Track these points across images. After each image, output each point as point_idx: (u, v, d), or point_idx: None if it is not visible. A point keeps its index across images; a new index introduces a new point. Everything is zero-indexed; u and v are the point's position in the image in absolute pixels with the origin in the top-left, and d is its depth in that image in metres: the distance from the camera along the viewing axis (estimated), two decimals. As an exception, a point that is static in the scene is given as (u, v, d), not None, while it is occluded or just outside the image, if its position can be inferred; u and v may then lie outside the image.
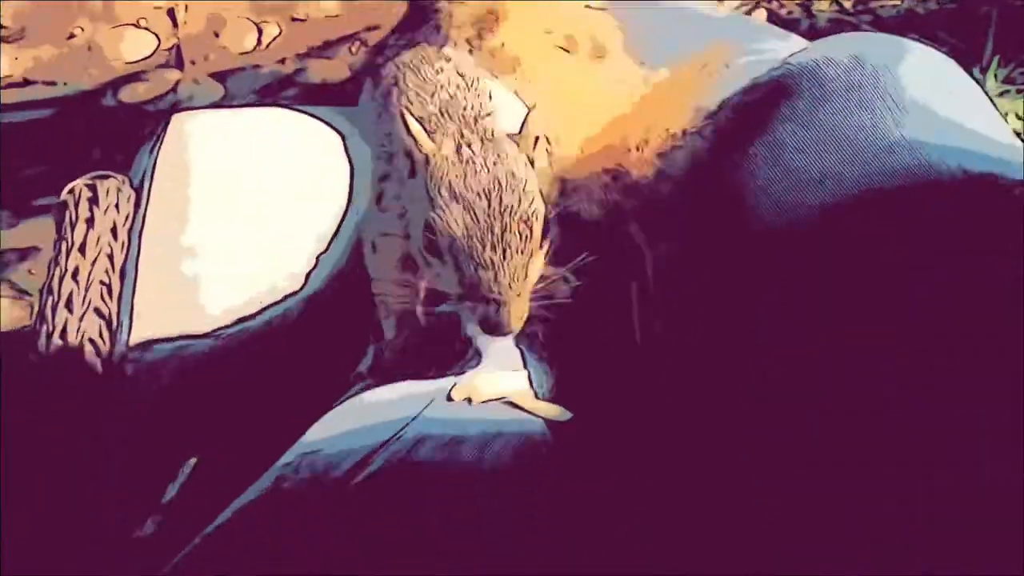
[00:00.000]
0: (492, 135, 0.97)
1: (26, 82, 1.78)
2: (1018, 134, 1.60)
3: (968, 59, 1.71)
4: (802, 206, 0.89)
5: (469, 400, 0.88)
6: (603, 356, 0.98)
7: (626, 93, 1.10)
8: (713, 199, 0.98)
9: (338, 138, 1.16)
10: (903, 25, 1.80)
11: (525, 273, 0.91)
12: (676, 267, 0.97)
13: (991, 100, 1.60)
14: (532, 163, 0.97)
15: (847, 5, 1.86)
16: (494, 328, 0.91)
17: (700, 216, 0.99)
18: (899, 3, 1.85)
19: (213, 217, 1.09)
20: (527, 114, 0.98)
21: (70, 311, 1.05)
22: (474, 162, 0.93)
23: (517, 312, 0.90)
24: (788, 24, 1.84)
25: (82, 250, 1.07)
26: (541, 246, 0.94)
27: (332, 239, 1.09)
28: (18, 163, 1.69)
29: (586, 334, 0.99)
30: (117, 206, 1.10)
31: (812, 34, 1.81)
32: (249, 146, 1.15)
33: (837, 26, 1.83)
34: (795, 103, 0.95)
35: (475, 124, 1.01)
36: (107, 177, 1.12)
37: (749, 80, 1.03)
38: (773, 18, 1.85)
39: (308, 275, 1.07)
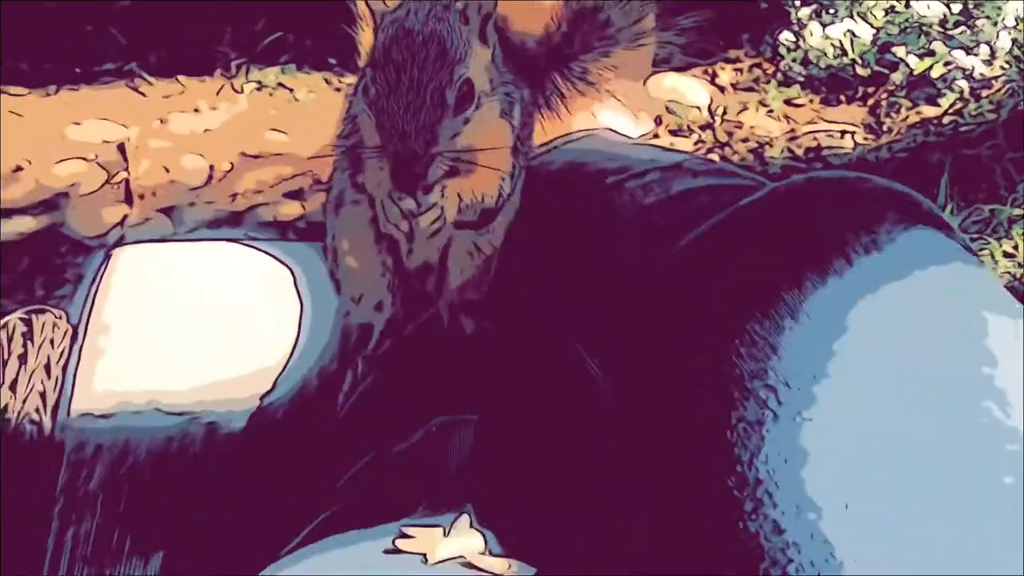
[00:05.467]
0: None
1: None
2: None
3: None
4: None
5: (424, 557, 0.83)
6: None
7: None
8: None
9: (289, 273, 1.13)
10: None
11: (434, 134, 0.87)
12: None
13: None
14: (485, 38, 0.93)
15: (799, 152, 1.88)
16: (404, 178, 0.88)
17: None
18: (850, 151, 1.88)
19: (151, 353, 1.05)
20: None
21: None
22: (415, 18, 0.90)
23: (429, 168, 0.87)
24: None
25: (13, 387, 1.02)
26: (460, 113, 0.90)
27: (277, 379, 1.05)
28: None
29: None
30: (52, 342, 1.06)
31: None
32: (193, 279, 1.11)
33: (789, 172, 1.85)
34: None
35: None
36: (43, 311, 1.08)
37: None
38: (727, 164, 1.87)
39: (251, 416, 1.03)
